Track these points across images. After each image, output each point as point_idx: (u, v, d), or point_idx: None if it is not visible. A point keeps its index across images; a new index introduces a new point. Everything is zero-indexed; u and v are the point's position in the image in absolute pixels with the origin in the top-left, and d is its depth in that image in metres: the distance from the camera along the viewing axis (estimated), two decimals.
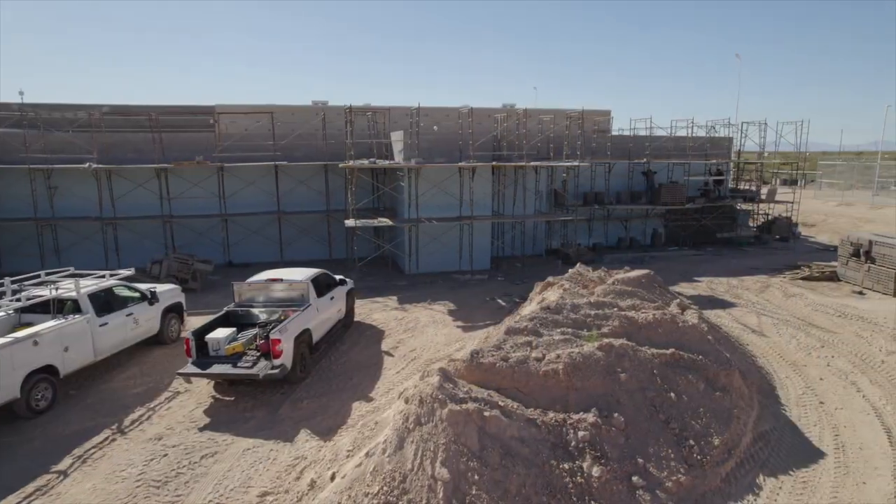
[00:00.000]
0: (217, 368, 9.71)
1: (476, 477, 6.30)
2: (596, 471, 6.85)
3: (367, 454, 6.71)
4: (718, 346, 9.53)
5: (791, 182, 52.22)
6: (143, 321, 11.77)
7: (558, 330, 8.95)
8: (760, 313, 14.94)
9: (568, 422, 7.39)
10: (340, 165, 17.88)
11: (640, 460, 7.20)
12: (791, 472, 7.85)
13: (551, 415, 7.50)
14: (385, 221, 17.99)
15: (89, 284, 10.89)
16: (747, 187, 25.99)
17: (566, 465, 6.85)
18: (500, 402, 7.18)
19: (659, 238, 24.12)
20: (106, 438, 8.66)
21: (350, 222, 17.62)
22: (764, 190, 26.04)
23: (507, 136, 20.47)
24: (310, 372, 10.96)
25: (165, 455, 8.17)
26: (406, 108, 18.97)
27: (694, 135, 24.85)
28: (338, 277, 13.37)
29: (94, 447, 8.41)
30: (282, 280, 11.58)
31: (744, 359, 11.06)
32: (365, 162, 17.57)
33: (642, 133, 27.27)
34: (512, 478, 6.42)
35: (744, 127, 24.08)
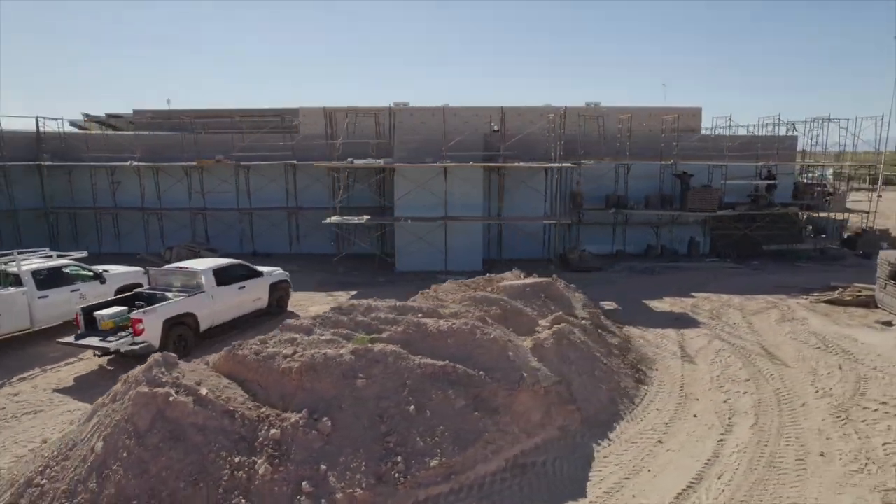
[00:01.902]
0: (89, 341, 11.17)
1: (125, 454, 6.72)
2: (262, 469, 6.87)
3: (71, 422, 7.49)
4: (517, 364, 8.68)
5: None
6: (92, 297, 13.73)
7: (332, 330, 8.89)
8: (718, 337, 12.96)
9: (270, 419, 7.45)
10: (315, 165, 18.88)
11: (324, 467, 7.03)
12: None
13: (263, 410, 7.60)
14: (366, 219, 18.61)
15: (34, 262, 13.05)
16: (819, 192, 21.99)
17: (237, 459, 6.95)
18: (202, 392, 7.47)
19: (696, 247, 21.53)
20: None
21: (335, 219, 18.53)
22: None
23: (506, 137, 19.83)
24: (190, 352, 12.00)
25: (3, 408, 9.69)
26: (431, 108, 19.13)
27: (754, 133, 21.76)
28: (265, 269, 14.32)
29: None
30: (185, 268, 12.81)
31: (601, 384, 9.82)
32: (342, 163, 18.33)
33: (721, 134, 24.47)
34: (160, 460, 6.73)
35: (812, 124, 20.48)
